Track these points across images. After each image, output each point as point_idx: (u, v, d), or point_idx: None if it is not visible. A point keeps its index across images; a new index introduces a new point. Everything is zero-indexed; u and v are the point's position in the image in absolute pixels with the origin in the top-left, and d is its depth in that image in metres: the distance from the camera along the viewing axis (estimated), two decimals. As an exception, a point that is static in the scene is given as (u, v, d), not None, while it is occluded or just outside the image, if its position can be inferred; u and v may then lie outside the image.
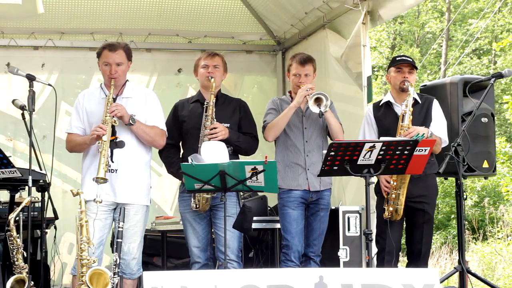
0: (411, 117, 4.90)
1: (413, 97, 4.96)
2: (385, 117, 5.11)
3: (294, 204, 5.04)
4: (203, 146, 4.70)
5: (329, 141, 5.22)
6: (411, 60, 5.12)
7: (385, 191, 4.96)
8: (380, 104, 5.19)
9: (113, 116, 4.61)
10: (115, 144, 4.66)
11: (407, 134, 4.77)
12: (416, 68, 5.16)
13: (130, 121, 4.68)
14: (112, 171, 4.65)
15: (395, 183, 4.89)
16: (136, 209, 4.74)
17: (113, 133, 4.66)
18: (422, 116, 5.03)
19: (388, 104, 5.14)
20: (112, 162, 4.65)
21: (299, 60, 5.20)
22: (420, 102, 5.07)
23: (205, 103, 4.95)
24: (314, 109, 4.91)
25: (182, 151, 5.17)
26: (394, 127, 4.95)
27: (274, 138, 5.15)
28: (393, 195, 4.89)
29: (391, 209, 4.91)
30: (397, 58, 5.19)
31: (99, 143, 4.56)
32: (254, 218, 5.62)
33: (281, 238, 5.17)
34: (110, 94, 4.70)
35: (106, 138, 4.54)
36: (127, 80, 4.93)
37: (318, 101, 4.94)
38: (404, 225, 5.13)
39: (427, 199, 5.02)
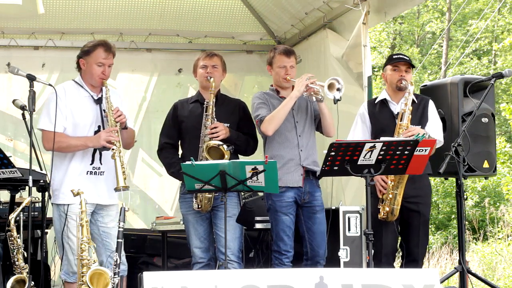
0: (410, 116, 4.88)
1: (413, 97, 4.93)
2: (380, 115, 5.08)
3: (286, 208, 4.94)
4: None
5: (317, 135, 5.17)
6: (408, 58, 5.06)
7: (381, 191, 4.88)
8: (376, 102, 5.15)
9: (118, 122, 4.59)
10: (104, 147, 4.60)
11: (406, 133, 4.74)
12: (414, 67, 5.10)
13: (126, 125, 4.68)
14: (101, 173, 4.64)
15: (392, 183, 4.84)
16: (117, 209, 4.69)
17: None
18: (418, 115, 5.00)
19: (384, 102, 5.10)
20: (101, 164, 4.63)
21: (283, 51, 5.07)
22: (416, 101, 5.02)
23: (205, 102, 4.93)
24: (331, 95, 4.78)
25: (180, 151, 5.16)
26: (390, 125, 4.93)
27: (274, 131, 4.93)
28: (390, 195, 4.84)
29: (387, 209, 4.85)
30: (394, 56, 5.13)
31: (113, 149, 4.50)
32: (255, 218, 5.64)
33: (272, 239, 5.11)
34: (109, 102, 4.60)
35: (119, 144, 4.52)
36: None
37: (331, 87, 4.82)
38: (399, 227, 5.06)
39: (422, 199, 4.99)
